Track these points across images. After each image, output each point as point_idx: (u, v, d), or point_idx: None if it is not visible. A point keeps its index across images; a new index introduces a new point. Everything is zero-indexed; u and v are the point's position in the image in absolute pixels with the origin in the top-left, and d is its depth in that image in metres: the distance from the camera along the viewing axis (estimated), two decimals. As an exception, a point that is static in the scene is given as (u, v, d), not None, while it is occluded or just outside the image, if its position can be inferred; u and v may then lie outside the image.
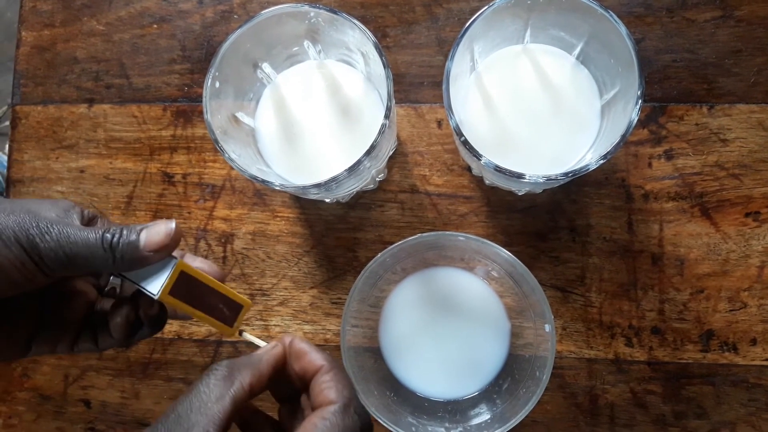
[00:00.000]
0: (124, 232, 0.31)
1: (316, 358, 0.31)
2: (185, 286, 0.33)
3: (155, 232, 0.31)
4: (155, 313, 0.35)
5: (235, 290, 0.36)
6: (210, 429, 0.26)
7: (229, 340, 0.52)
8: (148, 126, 0.54)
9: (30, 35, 0.57)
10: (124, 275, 0.33)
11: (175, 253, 0.33)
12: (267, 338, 0.52)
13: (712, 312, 0.49)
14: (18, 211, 0.30)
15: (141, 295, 0.34)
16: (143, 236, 0.31)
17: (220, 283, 0.35)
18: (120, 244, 0.30)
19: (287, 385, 0.33)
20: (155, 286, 0.32)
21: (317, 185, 0.41)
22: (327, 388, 0.30)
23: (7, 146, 0.57)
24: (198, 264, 0.35)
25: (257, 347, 0.34)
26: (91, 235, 0.30)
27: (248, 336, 0.37)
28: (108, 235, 0.30)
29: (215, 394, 0.27)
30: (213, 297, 0.34)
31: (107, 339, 0.35)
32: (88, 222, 0.33)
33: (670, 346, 0.49)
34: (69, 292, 0.35)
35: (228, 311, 0.35)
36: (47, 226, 0.29)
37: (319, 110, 0.47)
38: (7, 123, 0.63)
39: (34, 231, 0.29)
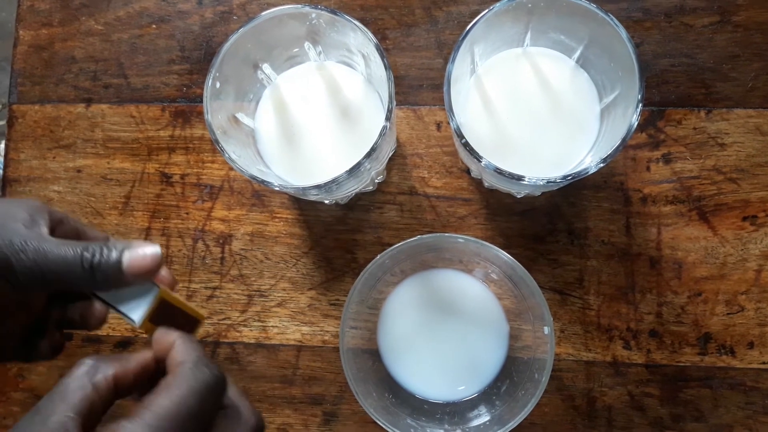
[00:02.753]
0: (104, 252, 0.29)
1: (169, 337, 0.30)
2: (162, 312, 0.32)
3: (140, 256, 0.30)
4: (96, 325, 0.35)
5: (195, 304, 0.37)
6: (69, 413, 0.26)
7: (225, 341, 0.52)
8: (146, 126, 0.54)
9: (27, 34, 0.56)
10: (100, 297, 0.32)
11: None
12: (265, 339, 0.52)
13: (709, 315, 0.49)
14: None
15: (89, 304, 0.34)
16: (126, 259, 0.30)
17: (183, 300, 0.34)
18: (101, 265, 0.29)
19: None
20: (136, 313, 0.31)
21: (317, 186, 0.41)
22: (176, 353, 0.29)
23: (2, 145, 0.56)
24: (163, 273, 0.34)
25: None
26: (70, 252, 0.29)
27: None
28: (87, 255, 0.29)
29: (76, 383, 0.27)
30: (181, 317, 0.34)
31: (36, 355, 0.34)
32: (56, 224, 0.32)
33: (668, 349, 0.49)
34: (24, 300, 0.34)
35: (187, 326, 0.35)
36: (22, 243, 0.28)
37: (319, 112, 0.47)
38: (2, 122, 0.62)
39: (7, 250, 0.28)
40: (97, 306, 0.34)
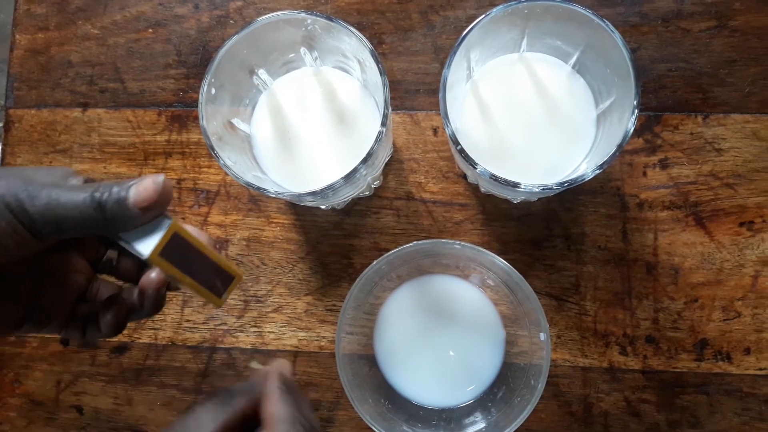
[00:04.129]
0: (114, 189, 0.29)
1: (268, 385, 0.31)
2: (178, 249, 0.31)
3: (143, 188, 0.30)
4: (153, 296, 0.34)
5: (229, 261, 0.34)
6: None
7: (222, 346, 0.52)
8: (143, 131, 0.54)
9: (24, 38, 0.56)
10: (118, 236, 0.31)
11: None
12: (261, 344, 0.52)
13: (706, 321, 0.49)
14: (8, 176, 0.29)
15: (140, 275, 0.34)
16: (132, 193, 0.29)
17: (213, 250, 0.33)
18: (109, 203, 0.29)
19: None
20: (146, 246, 0.31)
21: (313, 193, 0.41)
22: (272, 406, 0.30)
23: (-1, 148, 0.56)
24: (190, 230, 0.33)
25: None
26: (81, 195, 0.29)
27: (257, 366, 0.36)
28: (97, 195, 0.29)
29: (210, 416, 0.29)
30: (205, 264, 0.33)
31: (95, 332, 0.35)
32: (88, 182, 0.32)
33: (665, 355, 0.49)
34: (63, 269, 0.35)
35: (219, 281, 0.33)
36: (37, 190, 0.29)
37: (315, 117, 0.47)
38: (0, 124, 0.62)
39: (23, 195, 0.28)
40: (148, 289, 0.34)
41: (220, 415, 0.29)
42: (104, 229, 0.30)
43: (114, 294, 0.35)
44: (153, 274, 0.33)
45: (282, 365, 0.33)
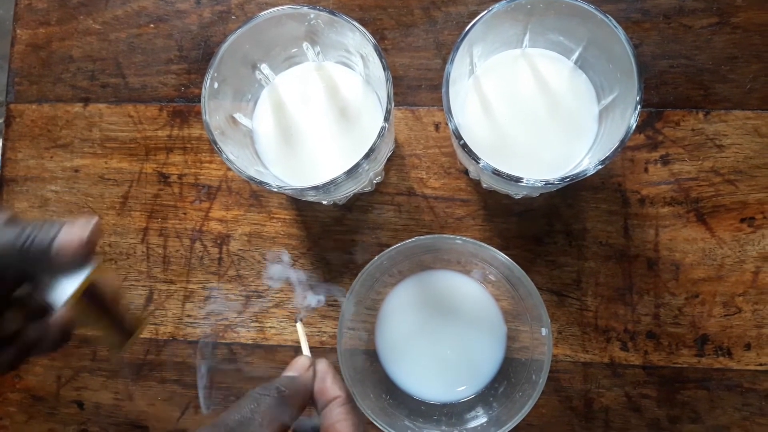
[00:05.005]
0: (39, 236, 0.30)
1: (332, 387, 0.34)
2: (93, 295, 0.32)
3: (68, 239, 0.30)
4: (59, 334, 0.34)
5: (134, 311, 0.36)
6: None
7: (223, 341, 0.52)
8: (144, 126, 0.54)
9: (25, 33, 0.56)
10: (38, 277, 0.32)
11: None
12: (262, 339, 0.52)
13: (707, 317, 0.49)
14: None
15: (50, 311, 0.34)
16: (55, 243, 0.30)
17: (122, 299, 0.35)
18: (32, 250, 0.29)
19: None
20: (63, 292, 0.31)
21: (315, 188, 0.41)
22: (340, 421, 0.32)
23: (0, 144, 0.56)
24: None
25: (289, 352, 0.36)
26: (4, 237, 0.29)
27: (300, 331, 0.37)
28: (20, 240, 0.29)
29: (267, 419, 0.30)
30: (114, 311, 0.34)
31: None
32: (9, 221, 0.32)
33: (665, 350, 0.49)
34: None
35: (124, 327, 0.35)
36: None
37: (317, 112, 0.47)
38: (0, 120, 0.62)
39: None
40: (55, 327, 0.34)
41: (276, 420, 0.30)
42: (26, 271, 0.30)
43: (18, 328, 0.34)
44: (62, 312, 0.33)
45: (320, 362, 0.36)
